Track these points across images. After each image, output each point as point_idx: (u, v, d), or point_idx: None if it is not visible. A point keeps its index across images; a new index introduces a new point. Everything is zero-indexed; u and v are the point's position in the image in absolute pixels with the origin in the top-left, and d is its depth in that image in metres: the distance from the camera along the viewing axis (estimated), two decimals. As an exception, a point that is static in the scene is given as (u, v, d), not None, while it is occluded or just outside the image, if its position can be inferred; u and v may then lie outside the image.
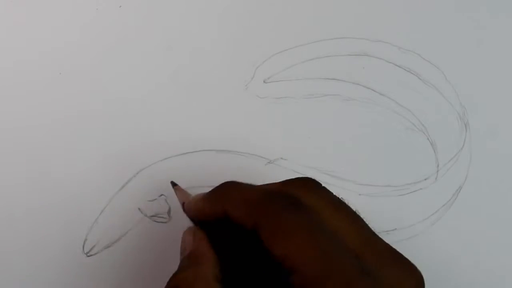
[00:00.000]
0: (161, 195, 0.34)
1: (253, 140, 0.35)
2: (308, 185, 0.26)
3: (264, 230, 0.23)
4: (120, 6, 0.36)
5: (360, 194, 0.35)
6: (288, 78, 0.37)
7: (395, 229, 0.35)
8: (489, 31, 0.39)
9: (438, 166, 0.36)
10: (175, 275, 0.25)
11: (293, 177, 0.26)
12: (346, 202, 0.25)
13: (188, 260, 0.25)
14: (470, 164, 0.37)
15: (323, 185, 0.26)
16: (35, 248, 0.32)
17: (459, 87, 0.38)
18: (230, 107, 0.36)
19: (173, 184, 0.31)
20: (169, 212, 0.33)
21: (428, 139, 0.37)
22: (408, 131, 0.37)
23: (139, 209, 0.33)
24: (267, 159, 0.35)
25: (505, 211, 0.36)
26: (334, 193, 0.25)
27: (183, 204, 0.29)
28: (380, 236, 0.34)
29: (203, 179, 0.34)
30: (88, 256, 0.33)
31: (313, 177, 0.34)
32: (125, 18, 0.36)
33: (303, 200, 0.24)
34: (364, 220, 0.25)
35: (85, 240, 0.33)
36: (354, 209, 0.25)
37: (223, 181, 0.26)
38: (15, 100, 0.34)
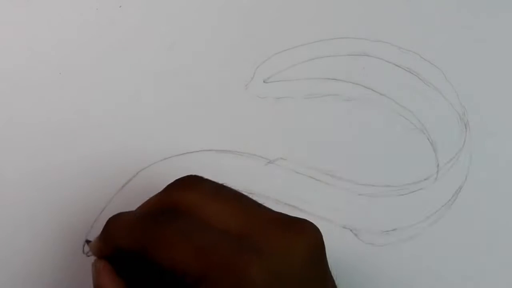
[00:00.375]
0: (161, 195, 0.34)
1: (253, 140, 0.35)
2: (184, 184, 0.27)
3: (151, 250, 0.24)
4: (120, 6, 0.36)
5: (360, 194, 0.35)
6: (288, 78, 0.37)
7: (395, 229, 0.35)
8: (489, 31, 0.39)
9: (438, 166, 0.36)
10: None
11: (175, 179, 0.27)
12: (227, 187, 0.27)
13: None
14: (470, 164, 0.37)
15: (203, 177, 0.27)
16: (35, 248, 0.32)
17: (459, 87, 0.38)
18: (230, 107, 0.36)
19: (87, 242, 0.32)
20: (169, 212, 0.33)
21: (428, 139, 0.37)
22: (408, 131, 0.37)
23: (139, 209, 0.33)
24: (267, 159, 0.35)
25: (505, 211, 0.36)
26: (214, 182, 0.27)
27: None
28: (380, 236, 0.34)
29: (203, 179, 0.34)
30: (88, 256, 0.32)
31: (311, 177, 0.35)
32: (125, 18, 0.36)
33: (181, 202, 0.25)
34: (248, 198, 0.26)
35: (85, 240, 0.33)
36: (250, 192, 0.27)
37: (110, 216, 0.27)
38: (15, 100, 0.34)
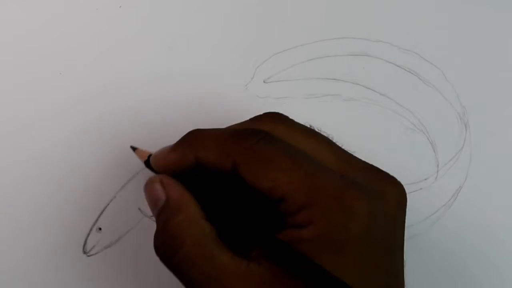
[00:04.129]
0: (161, 195, 0.34)
1: (253, 140, 0.35)
2: (276, 117, 0.26)
3: (245, 166, 0.23)
4: (120, 6, 0.36)
5: (360, 194, 0.35)
6: (288, 78, 0.37)
7: (395, 229, 0.35)
8: (489, 31, 0.39)
9: (438, 166, 0.36)
10: (165, 226, 0.24)
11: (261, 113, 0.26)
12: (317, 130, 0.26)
13: (170, 209, 0.25)
14: (470, 164, 0.37)
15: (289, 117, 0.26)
16: (35, 248, 0.32)
17: (459, 87, 0.38)
18: (230, 107, 0.36)
19: (133, 148, 0.30)
20: (169, 212, 0.33)
21: (428, 139, 0.37)
22: (408, 131, 0.37)
23: (139, 209, 0.33)
24: (267, 159, 0.35)
25: (505, 211, 0.36)
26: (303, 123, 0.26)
27: (147, 160, 0.28)
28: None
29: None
30: (88, 256, 0.33)
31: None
32: (125, 18, 0.36)
33: (275, 131, 0.24)
34: (338, 144, 0.26)
35: (85, 240, 0.33)
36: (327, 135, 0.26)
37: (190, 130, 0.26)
38: (15, 100, 0.34)
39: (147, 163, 0.29)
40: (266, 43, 0.37)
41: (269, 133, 0.24)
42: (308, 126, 0.26)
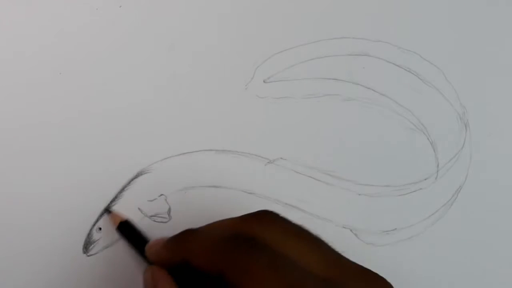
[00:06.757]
0: (161, 195, 0.34)
1: (253, 140, 0.35)
2: (265, 219, 0.26)
3: (230, 275, 0.24)
4: (120, 6, 0.36)
5: (360, 194, 0.35)
6: (288, 78, 0.37)
7: (395, 229, 0.35)
8: (489, 31, 0.39)
9: (438, 166, 0.36)
10: None
11: (253, 211, 0.26)
12: (307, 229, 0.26)
13: None
14: (470, 164, 0.37)
15: (281, 215, 0.26)
16: (35, 248, 0.32)
17: (459, 87, 0.38)
18: (230, 107, 0.36)
19: (108, 211, 0.33)
20: (169, 212, 0.33)
21: (428, 139, 0.37)
22: (408, 131, 0.37)
23: (139, 209, 0.33)
24: (267, 159, 0.35)
25: (505, 211, 0.36)
26: (293, 222, 0.26)
27: (119, 225, 0.31)
28: (380, 236, 0.34)
29: (203, 179, 0.34)
30: (88, 256, 0.33)
31: (311, 177, 0.35)
32: (125, 18, 0.36)
33: (262, 236, 0.25)
34: (327, 243, 0.26)
35: (85, 240, 0.33)
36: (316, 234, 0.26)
37: (185, 229, 0.27)
38: (15, 100, 0.34)
39: (119, 228, 0.32)
40: (266, 43, 0.37)
41: (256, 241, 0.25)
42: (299, 225, 0.26)
